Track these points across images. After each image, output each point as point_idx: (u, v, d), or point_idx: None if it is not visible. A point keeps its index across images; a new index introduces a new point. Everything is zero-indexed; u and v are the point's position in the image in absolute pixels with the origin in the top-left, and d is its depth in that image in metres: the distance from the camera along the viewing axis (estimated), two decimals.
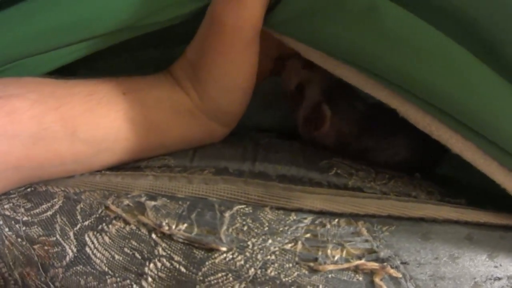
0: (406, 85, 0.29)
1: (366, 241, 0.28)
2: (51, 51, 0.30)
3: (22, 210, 0.27)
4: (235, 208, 0.28)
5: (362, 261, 0.27)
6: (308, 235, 0.28)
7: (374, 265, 0.27)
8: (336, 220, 0.29)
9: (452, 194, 0.33)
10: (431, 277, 0.28)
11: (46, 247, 0.26)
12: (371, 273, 0.27)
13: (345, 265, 0.27)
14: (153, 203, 0.28)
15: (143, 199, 0.28)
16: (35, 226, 0.27)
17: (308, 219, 0.28)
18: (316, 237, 0.28)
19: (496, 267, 0.29)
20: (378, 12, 0.28)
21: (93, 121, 0.28)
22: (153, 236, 0.27)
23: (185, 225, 0.27)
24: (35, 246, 0.26)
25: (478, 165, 0.30)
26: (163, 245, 0.26)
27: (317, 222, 0.28)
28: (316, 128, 0.37)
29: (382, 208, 0.30)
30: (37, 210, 0.27)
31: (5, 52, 0.29)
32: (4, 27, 0.29)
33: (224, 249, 0.26)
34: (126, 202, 0.28)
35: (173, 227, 0.27)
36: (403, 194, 0.32)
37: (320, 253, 0.27)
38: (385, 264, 0.27)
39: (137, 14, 0.30)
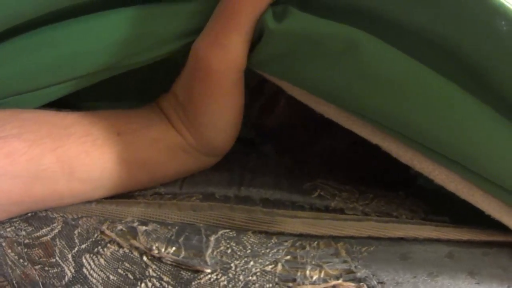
0: (387, 122, 0.30)
1: (345, 261, 0.30)
2: (40, 90, 0.32)
3: (24, 233, 0.29)
4: (220, 233, 0.30)
5: (339, 281, 0.28)
6: (288, 257, 0.29)
7: (351, 285, 0.28)
8: (316, 242, 0.30)
9: (436, 211, 0.34)
10: None
11: (46, 268, 0.29)
12: None
13: (323, 285, 0.28)
14: (144, 228, 0.30)
15: (135, 224, 0.30)
16: (36, 248, 0.29)
17: (289, 241, 0.30)
18: (296, 259, 0.29)
19: (477, 283, 0.29)
20: (357, 51, 0.28)
21: (89, 163, 0.30)
22: (144, 258, 0.29)
23: (174, 248, 0.29)
24: (37, 267, 0.29)
25: (462, 195, 0.31)
26: (153, 267, 0.29)
27: (297, 244, 0.30)
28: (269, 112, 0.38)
29: (362, 230, 0.31)
30: (38, 234, 0.30)
31: None
32: None
33: (208, 270, 0.28)
34: (120, 227, 0.30)
35: (162, 250, 0.29)
36: (385, 214, 0.33)
37: (299, 273, 0.29)
38: (361, 284, 0.28)
39: (116, 56, 0.32)
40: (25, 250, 0.29)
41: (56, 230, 0.30)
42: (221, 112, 0.33)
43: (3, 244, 0.29)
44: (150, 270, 0.29)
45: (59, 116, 0.31)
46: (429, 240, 0.31)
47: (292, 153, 0.40)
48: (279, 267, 0.29)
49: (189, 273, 0.28)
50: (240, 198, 0.33)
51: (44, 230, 0.30)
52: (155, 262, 0.29)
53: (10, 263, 0.29)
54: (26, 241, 0.29)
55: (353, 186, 0.35)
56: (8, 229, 0.30)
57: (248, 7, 0.30)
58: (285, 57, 0.31)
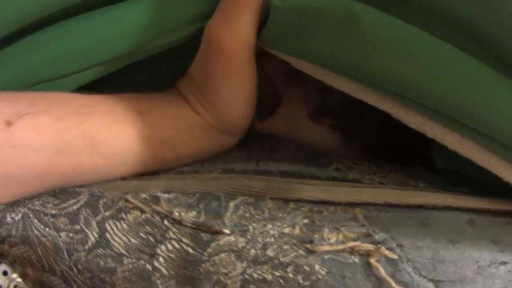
0: (394, 88, 0.31)
1: (362, 225, 0.30)
2: (68, 76, 0.34)
3: (51, 205, 0.31)
4: (238, 199, 0.31)
5: (357, 242, 0.29)
6: (305, 221, 0.30)
7: (369, 246, 0.29)
8: (333, 207, 0.31)
9: (454, 184, 0.34)
10: (430, 260, 0.29)
11: (71, 234, 0.30)
12: (367, 254, 0.29)
13: (340, 247, 0.29)
14: (166, 195, 0.31)
15: (158, 193, 0.31)
16: (62, 217, 0.31)
17: (306, 207, 0.31)
18: (313, 222, 0.30)
19: (501, 251, 0.29)
20: (356, 18, 0.29)
21: (111, 137, 0.32)
22: (165, 222, 0.30)
23: (194, 212, 0.30)
24: (61, 234, 0.30)
25: (477, 160, 0.31)
26: (174, 229, 0.30)
27: (314, 209, 0.31)
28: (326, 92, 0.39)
29: (379, 196, 0.31)
30: (64, 205, 0.31)
31: (24, 77, 0.33)
32: (21, 56, 0.33)
33: (227, 231, 0.29)
34: (143, 195, 0.31)
35: (183, 214, 0.30)
36: (403, 184, 0.33)
37: (316, 235, 0.29)
38: (379, 245, 0.29)
39: (137, 42, 0.34)
40: (51, 219, 0.31)
41: (82, 201, 0.31)
42: (234, 89, 0.34)
43: (30, 215, 0.31)
44: (171, 233, 0.30)
45: (84, 97, 0.34)
46: (448, 208, 0.31)
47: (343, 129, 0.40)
48: (297, 229, 0.30)
49: (208, 235, 0.29)
50: (258, 171, 0.34)
51: (70, 201, 0.31)
52: (175, 225, 0.30)
53: (36, 232, 0.30)
54: (53, 211, 0.31)
55: (369, 161, 0.36)
56: (36, 202, 0.31)
57: None
58: (290, 32, 0.32)
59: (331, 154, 0.36)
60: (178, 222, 0.30)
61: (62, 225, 0.31)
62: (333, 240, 0.29)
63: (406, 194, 0.32)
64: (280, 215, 0.30)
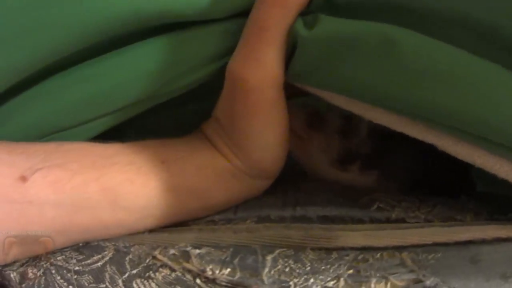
0: (442, 119, 0.28)
1: (411, 271, 0.28)
2: (82, 125, 0.33)
3: (74, 261, 0.29)
4: (277, 252, 0.29)
5: None
6: (350, 271, 0.28)
7: None
8: (379, 254, 0.29)
9: (502, 211, 0.32)
10: None
11: None
12: None
13: None
14: (197, 251, 0.29)
15: (188, 248, 0.30)
16: (86, 275, 0.29)
17: (350, 256, 0.29)
18: (359, 272, 0.28)
19: None
20: (394, 45, 0.27)
21: (133, 191, 0.30)
22: (198, 281, 0.28)
23: (228, 269, 0.28)
24: None
25: None
26: None
27: (359, 258, 0.29)
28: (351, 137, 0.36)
29: (426, 236, 0.29)
30: (89, 261, 0.29)
31: (37, 127, 0.32)
32: (33, 105, 0.31)
33: None
34: (172, 251, 0.29)
35: (217, 272, 0.28)
36: (449, 218, 0.31)
37: (362, 287, 0.27)
38: None
39: (153, 86, 0.32)
40: (75, 276, 0.29)
41: (107, 258, 0.30)
42: (264, 131, 0.32)
43: (53, 271, 0.29)
44: None
45: (103, 147, 0.32)
46: (498, 240, 0.29)
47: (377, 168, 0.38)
48: (342, 282, 0.28)
49: None
50: (296, 217, 0.32)
51: (95, 258, 0.30)
52: (209, 285, 0.28)
53: None
54: (76, 268, 0.29)
55: (412, 196, 0.34)
56: (58, 258, 0.30)
57: (278, 18, 0.29)
58: (321, 64, 0.30)
59: (372, 193, 0.34)
60: (211, 281, 0.28)
61: (86, 283, 0.29)
62: None
63: (454, 230, 0.30)
64: (323, 267, 0.28)
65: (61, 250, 0.30)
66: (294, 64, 0.31)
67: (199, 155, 0.33)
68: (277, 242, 0.29)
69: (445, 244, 0.29)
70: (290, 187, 0.36)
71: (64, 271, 0.29)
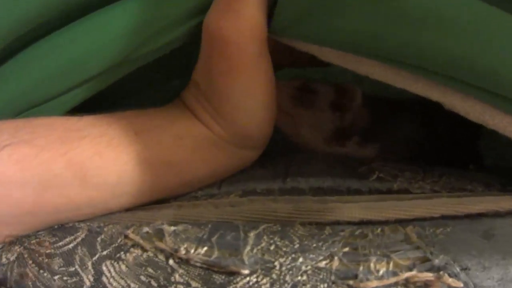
0: (449, 70, 0.25)
1: (417, 248, 0.24)
2: (56, 97, 0.30)
3: (47, 243, 0.27)
4: (261, 227, 0.25)
5: (413, 272, 0.23)
6: (346, 249, 0.24)
7: (428, 275, 0.23)
8: (380, 228, 0.25)
9: None
10: (500, 281, 0.23)
11: (65, 278, 0.25)
12: (426, 285, 0.23)
13: (393, 280, 0.23)
14: (172, 228, 0.26)
15: (163, 226, 0.26)
16: (57, 258, 0.26)
17: (346, 231, 0.25)
18: (356, 250, 0.24)
19: None
20: None
21: (103, 165, 0.27)
22: (170, 262, 0.25)
23: (205, 248, 0.25)
24: (55, 277, 0.25)
25: None
26: (181, 271, 0.24)
27: (357, 233, 0.25)
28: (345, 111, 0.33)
29: (433, 208, 0.26)
30: (60, 243, 0.27)
31: (11, 105, 0.29)
32: (4, 82, 0.29)
33: (246, 272, 0.24)
34: (146, 229, 0.26)
35: (192, 251, 0.24)
36: (458, 189, 0.28)
37: (361, 268, 0.24)
38: (441, 273, 0.23)
39: (127, 48, 0.29)
40: (46, 260, 0.26)
41: (80, 239, 0.27)
42: (246, 91, 0.29)
43: (26, 255, 0.26)
44: (177, 275, 0.24)
45: (73, 120, 0.29)
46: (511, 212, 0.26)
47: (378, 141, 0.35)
48: (336, 262, 0.24)
49: (223, 277, 0.24)
50: (286, 190, 0.29)
51: (67, 239, 0.27)
52: (182, 266, 0.24)
53: (30, 274, 0.26)
54: (48, 251, 0.26)
55: (417, 165, 0.30)
56: (32, 241, 0.27)
57: None
58: (308, 12, 0.26)
59: (370, 162, 0.30)
60: (185, 262, 0.24)
61: (56, 267, 0.26)
62: (382, 271, 0.23)
63: (464, 201, 0.26)
64: (314, 244, 0.24)
65: (36, 233, 0.27)
66: (278, 14, 0.27)
67: (176, 124, 0.29)
68: (263, 216, 0.26)
69: (455, 217, 0.26)
70: (281, 158, 0.32)
71: (36, 254, 0.26)
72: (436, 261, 0.24)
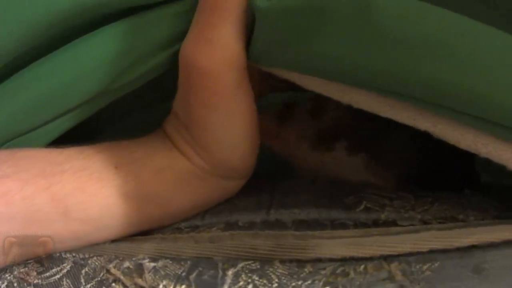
0: (434, 97, 0.24)
1: (401, 286, 0.23)
2: (39, 127, 0.30)
3: (35, 273, 0.27)
4: (240, 265, 0.25)
5: None
6: None
7: None
8: (363, 266, 0.24)
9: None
10: None
11: None
12: None
13: None
14: (152, 264, 0.26)
15: (144, 261, 0.26)
16: None
17: (328, 269, 0.24)
18: None
19: None
20: (370, 10, 0.22)
21: (85, 200, 0.27)
22: None
23: (183, 286, 0.24)
24: None
25: None
26: None
27: (338, 271, 0.24)
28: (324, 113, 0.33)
29: (421, 243, 0.25)
30: (47, 274, 0.27)
31: None
32: None
33: None
34: (127, 264, 0.26)
35: None
36: (449, 218, 0.27)
37: None
38: None
39: (106, 78, 0.28)
40: None
41: (65, 270, 0.27)
42: (226, 123, 0.28)
43: (15, 284, 0.27)
44: None
45: (55, 152, 0.29)
46: (507, 242, 0.24)
47: (366, 150, 0.34)
48: None
49: None
50: (268, 223, 0.28)
51: (53, 270, 0.27)
52: None
53: None
54: (36, 281, 0.27)
55: (407, 191, 0.29)
56: (21, 270, 0.27)
57: None
58: (285, 39, 0.25)
59: (361, 190, 0.29)
60: None
61: None
62: None
63: (455, 234, 0.25)
64: (293, 283, 0.24)
65: (25, 262, 0.28)
66: (255, 41, 0.26)
67: (157, 157, 0.29)
68: (243, 253, 0.25)
69: (444, 251, 0.24)
70: (266, 185, 0.31)
71: (25, 284, 0.26)
72: None
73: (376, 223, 0.26)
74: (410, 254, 0.25)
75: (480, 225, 0.26)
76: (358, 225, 0.26)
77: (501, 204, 0.28)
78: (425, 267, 0.24)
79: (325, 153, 0.33)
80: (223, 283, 0.24)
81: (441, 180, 0.31)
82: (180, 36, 0.28)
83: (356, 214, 0.27)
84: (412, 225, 0.26)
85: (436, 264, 0.24)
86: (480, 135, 0.24)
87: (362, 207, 0.27)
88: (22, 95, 0.28)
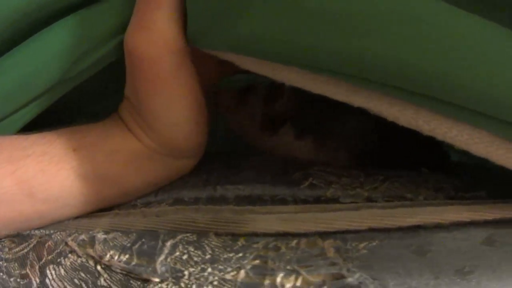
0: (364, 72, 0.23)
1: (332, 264, 0.23)
2: (7, 117, 0.32)
3: (7, 249, 0.30)
4: (178, 237, 0.26)
5: None
6: (256, 262, 0.24)
7: None
8: (295, 241, 0.24)
9: (470, 187, 0.26)
10: None
11: (18, 279, 0.28)
12: None
13: None
14: (104, 236, 0.27)
15: (98, 234, 0.28)
16: (13, 262, 0.29)
17: (260, 243, 0.24)
18: (266, 263, 0.23)
19: None
20: None
21: (47, 181, 0.29)
22: (98, 267, 0.26)
23: (127, 256, 0.26)
24: (11, 279, 0.28)
25: (495, 158, 0.23)
26: (105, 276, 0.26)
27: (270, 246, 0.24)
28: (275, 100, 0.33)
29: (359, 221, 0.24)
30: (17, 249, 0.29)
31: None
32: None
33: (156, 279, 0.24)
34: (82, 237, 0.28)
35: (115, 258, 0.26)
36: (397, 197, 0.26)
37: (266, 282, 0.23)
38: None
39: (61, 68, 0.30)
40: (5, 264, 0.29)
41: (32, 245, 0.29)
42: (169, 105, 0.29)
43: None
44: (102, 280, 0.26)
45: (21, 138, 0.31)
46: (458, 225, 0.24)
47: (313, 133, 0.34)
48: (242, 274, 0.23)
49: (139, 283, 0.25)
50: (213, 198, 0.28)
51: (22, 245, 0.30)
52: (107, 271, 0.26)
53: None
54: (7, 256, 0.29)
55: (360, 170, 0.28)
56: None
57: None
58: (215, 20, 0.25)
59: (309, 167, 0.29)
60: (109, 268, 0.26)
61: (12, 270, 0.29)
62: (288, 286, 0.23)
63: (398, 213, 0.24)
64: (225, 255, 0.24)
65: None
66: (189, 23, 0.27)
67: (110, 139, 0.31)
68: (183, 226, 0.26)
69: (385, 230, 0.24)
70: (218, 165, 0.32)
71: None
72: (350, 279, 0.22)
73: (318, 200, 0.26)
74: (348, 231, 0.24)
75: (429, 205, 0.25)
76: (297, 201, 0.26)
77: (463, 183, 0.27)
78: (361, 245, 0.24)
79: (272, 137, 0.34)
80: (161, 253, 0.25)
81: (401, 159, 0.29)
82: (125, 25, 0.29)
83: (299, 191, 0.27)
84: (355, 202, 0.25)
85: (374, 243, 0.24)
86: (421, 111, 0.23)
87: (307, 183, 0.27)
88: None
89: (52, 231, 0.30)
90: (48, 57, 0.30)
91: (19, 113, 0.32)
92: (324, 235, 0.24)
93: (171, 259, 0.25)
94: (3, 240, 0.30)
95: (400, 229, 0.24)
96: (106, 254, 0.26)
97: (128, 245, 0.26)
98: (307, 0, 0.22)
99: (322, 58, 0.23)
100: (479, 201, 0.25)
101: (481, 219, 0.24)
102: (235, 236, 0.25)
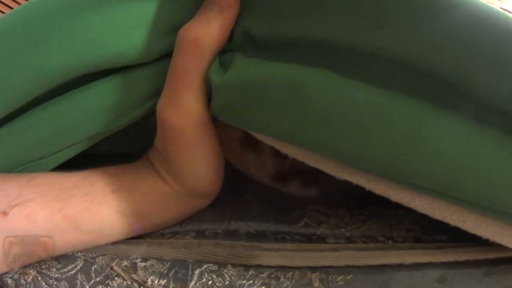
0: (351, 161, 0.29)
1: None
2: (48, 156, 0.37)
3: (54, 269, 0.35)
4: (204, 266, 0.33)
5: None
6: None
7: None
8: (291, 273, 0.32)
9: (435, 230, 0.32)
10: None
11: None
12: None
13: None
14: (143, 264, 0.35)
15: (137, 261, 0.35)
16: (63, 281, 0.35)
17: (265, 273, 0.32)
18: None
19: None
20: (300, 88, 0.28)
21: (91, 217, 0.35)
22: None
23: (164, 280, 0.33)
24: None
25: (450, 221, 0.29)
26: None
27: (272, 275, 0.32)
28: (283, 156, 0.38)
29: (338, 260, 0.32)
30: (65, 270, 0.35)
31: (9, 161, 0.36)
32: (2, 143, 0.35)
33: None
34: (125, 263, 0.35)
35: (155, 282, 0.34)
36: (372, 238, 0.33)
37: None
38: None
39: (99, 124, 0.36)
40: (55, 283, 0.35)
41: (79, 267, 0.36)
42: (194, 163, 0.36)
43: (39, 278, 0.35)
44: None
45: (63, 179, 0.36)
46: (417, 265, 0.30)
47: (319, 185, 0.40)
48: None
49: None
50: (228, 232, 0.36)
51: (69, 267, 0.36)
52: None
53: None
54: (56, 275, 0.35)
55: (348, 210, 0.36)
56: (43, 266, 0.36)
57: (193, 64, 0.32)
58: (235, 108, 0.32)
59: (304, 207, 0.36)
60: None
61: None
62: None
63: (368, 255, 0.32)
64: (240, 282, 0.32)
65: (45, 260, 0.36)
66: (213, 104, 0.33)
67: (144, 182, 0.37)
68: (207, 257, 0.34)
69: (359, 267, 0.31)
70: (231, 201, 0.39)
71: (47, 278, 0.35)
72: None
73: (310, 239, 0.34)
74: (330, 267, 0.32)
75: (394, 248, 0.32)
76: (294, 240, 0.34)
77: (430, 225, 0.32)
78: (339, 278, 0.31)
79: (281, 187, 0.41)
80: (192, 279, 0.33)
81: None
82: (157, 92, 0.35)
83: (296, 229, 0.35)
84: (337, 243, 0.33)
85: (349, 277, 0.31)
86: (390, 185, 0.29)
87: (302, 222, 0.35)
88: (35, 131, 0.35)
89: (94, 254, 0.36)
90: (89, 113, 0.35)
91: (58, 154, 0.37)
92: (312, 268, 0.32)
93: (200, 284, 0.33)
94: (48, 260, 0.36)
95: (370, 266, 0.31)
96: (147, 279, 0.34)
97: (165, 271, 0.34)
98: (314, 105, 0.28)
99: (322, 149, 0.30)
100: (439, 244, 0.31)
101: (437, 261, 0.29)
102: (246, 267, 0.33)
